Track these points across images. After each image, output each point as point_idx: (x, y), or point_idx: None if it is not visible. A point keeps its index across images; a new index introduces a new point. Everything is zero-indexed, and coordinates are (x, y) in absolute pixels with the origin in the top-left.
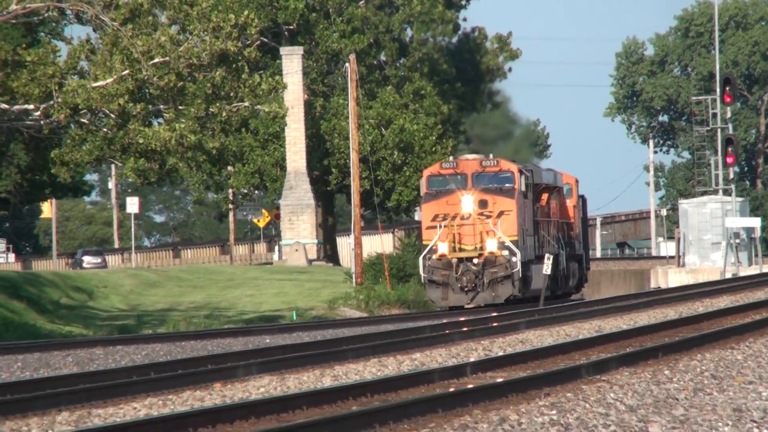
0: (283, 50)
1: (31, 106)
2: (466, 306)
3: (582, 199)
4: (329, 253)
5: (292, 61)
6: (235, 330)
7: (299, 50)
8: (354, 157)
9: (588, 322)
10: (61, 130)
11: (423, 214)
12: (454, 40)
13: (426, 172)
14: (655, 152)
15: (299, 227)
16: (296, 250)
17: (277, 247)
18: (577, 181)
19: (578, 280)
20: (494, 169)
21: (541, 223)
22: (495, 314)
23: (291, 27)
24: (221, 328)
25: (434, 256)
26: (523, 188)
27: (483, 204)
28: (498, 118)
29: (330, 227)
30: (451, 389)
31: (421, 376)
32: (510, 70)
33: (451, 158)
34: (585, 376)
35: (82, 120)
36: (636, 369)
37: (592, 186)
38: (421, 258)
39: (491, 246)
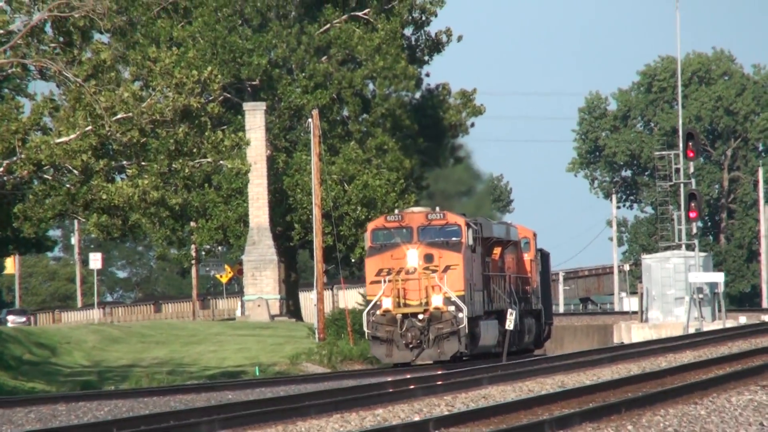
0: (246, 106)
1: None
2: (413, 363)
3: (543, 254)
4: (292, 309)
5: (255, 117)
6: (197, 386)
7: (262, 106)
8: (317, 213)
9: (551, 377)
10: (25, 185)
11: (367, 268)
12: (417, 95)
13: (370, 226)
14: (618, 207)
15: (262, 283)
16: (259, 306)
17: (239, 303)
18: (535, 235)
19: (536, 335)
20: (440, 223)
21: (493, 278)
22: (458, 369)
23: (254, 83)
24: (184, 384)
25: (378, 312)
26: (471, 242)
27: (429, 258)
28: (460, 173)
29: (293, 282)
30: None
31: (383, 431)
32: (473, 125)
33: (396, 211)
34: None
35: (46, 176)
36: (599, 424)
37: (555, 241)
38: (365, 313)
39: (437, 301)
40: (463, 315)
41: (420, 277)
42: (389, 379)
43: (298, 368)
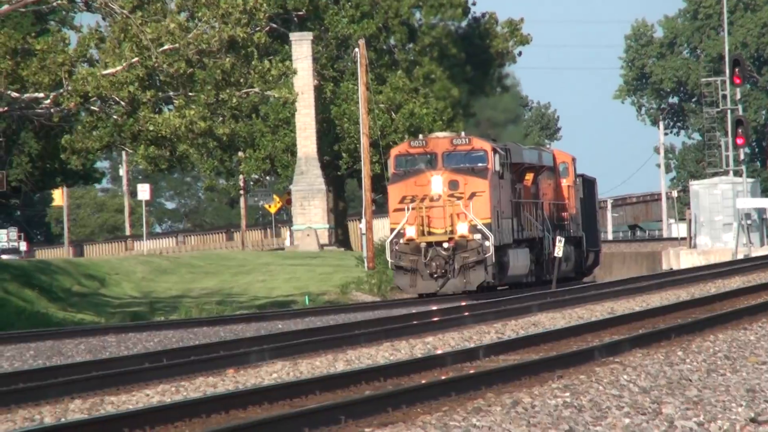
0: (293, 36)
1: (41, 95)
2: (438, 293)
3: (586, 180)
4: (341, 238)
5: (301, 47)
6: (247, 316)
7: (309, 36)
8: (364, 142)
9: (600, 304)
10: (72, 117)
11: (390, 195)
12: (464, 24)
13: (393, 151)
14: (666, 134)
15: (310, 212)
16: (308, 235)
17: (288, 232)
18: (573, 160)
19: (575, 263)
20: (466, 148)
21: (524, 205)
22: (508, 297)
23: (300, 13)
24: (233, 315)
25: (402, 241)
26: (498, 168)
27: (453, 185)
28: (507, 101)
29: (341, 212)
30: (464, 372)
31: (433, 359)
32: (520, 54)
33: (420, 136)
34: (598, 358)
35: (93, 108)
36: (649, 350)
37: (603, 168)
38: (387, 242)
39: (462, 229)
40: (489, 243)
41: (444, 204)
42: (439, 307)
43: (348, 297)
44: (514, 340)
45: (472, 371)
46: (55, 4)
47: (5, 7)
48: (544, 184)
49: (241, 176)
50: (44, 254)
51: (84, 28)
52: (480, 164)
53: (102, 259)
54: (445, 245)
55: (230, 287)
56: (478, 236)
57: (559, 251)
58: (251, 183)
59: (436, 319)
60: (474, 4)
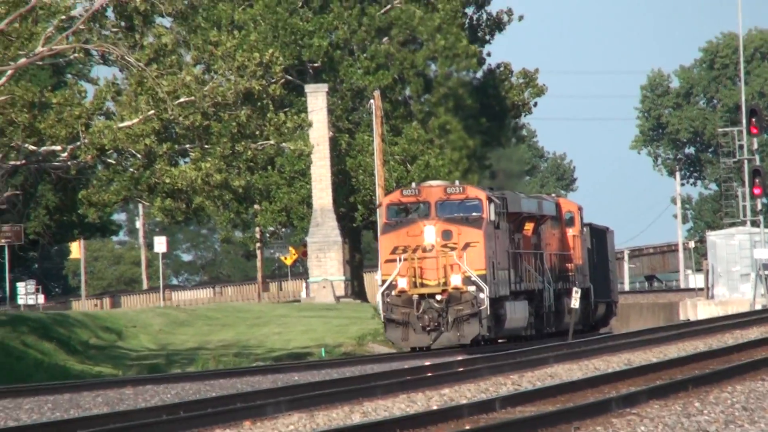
0: (308, 88)
1: (58, 147)
2: (431, 348)
3: (597, 230)
4: (357, 290)
5: (317, 99)
6: (263, 368)
7: (324, 87)
8: (380, 194)
9: (617, 355)
10: (89, 170)
11: (381, 246)
12: (479, 75)
13: (385, 200)
14: (682, 184)
15: (326, 264)
16: (324, 287)
17: (304, 285)
18: (580, 209)
19: (583, 315)
20: (460, 197)
21: (523, 255)
22: (524, 348)
23: (316, 64)
24: (250, 366)
25: (393, 293)
26: (493, 217)
27: (447, 235)
28: (523, 152)
29: (357, 264)
30: (480, 424)
31: (449, 411)
32: (535, 104)
33: (413, 184)
34: (615, 410)
35: (109, 160)
36: (666, 402)
37: (620, 219)
38: (378, 294)
39: (456, 281)
40: (484, 295)
41: (438, 255)
42: (457, 358)
43: (364, 349)
44: (531, 392)
45: (488, 423)
46: (71, 57)
47: (22, 60)
48: (547, 233)
49: (257, 228)
50: (80, 306)
51: (101, 81)
52: (474, 213)
53: (119, 311)
54: (438, 297)
55: (247, 339)
56: (472, 288)
57: (576, 302)
58: (267, 235)
59: (452, 371)
60: (489, 55)
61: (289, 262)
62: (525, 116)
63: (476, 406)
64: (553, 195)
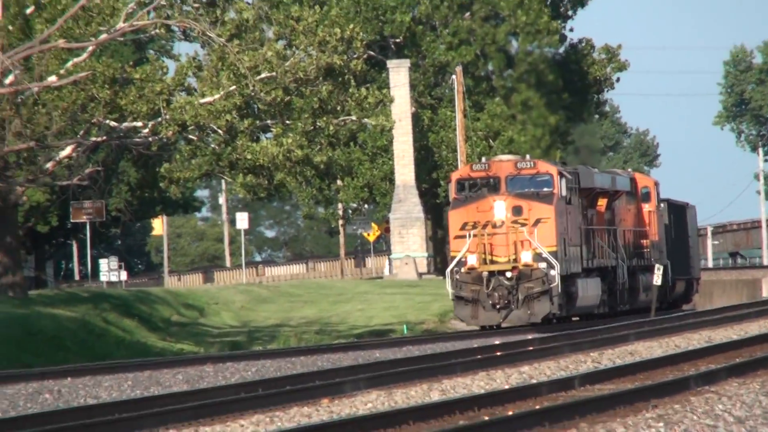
0: (390, 63)
1: (140, 124)
2: (501, 326)
3: (677, 206)
4: (439, 267)
5: (399, 74)
6: (345, 345)
7: (406, 63)
8: None
9: (698, 332)
10: (170, 146)
11: (450, 222)
12: (561, 50)
13: (454, 176)
14: (765, 160)
15: (409, 241)
16: (406, 264)
17: (387, 261)
18: (656, 184)
19: (658, 293)
20: (530, 172)
21: (596, 231)
22: (604, 326)
23: (398, 40)
24: (331, 344)
25: (463, 269)
26: (565, 193)
27: (517, 210)
28: (606, 128)
29: (440, 240)
30: (558, 402)
31: (528, 389)
32: (618, 80)
33: (483, 159)
34: (693, 388)
35: (190, 136)
36: (745, 380)
37: (703, 195)
38: (448, 271)
39: (526, 258)
40: (555, 272)
41: (508, 231)
42: (536, 336)
43: (446, 326)
44: (610, 370)
45: (566, 401)
46: (153, 33)
47: (103, 36)
48: (621, 209)
49: (339, 205)
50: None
51: (182, 57)
52: (545, 189)
53: (201, 288)
54: (508, 274)
55: (329, 316)
56: (543, 265)
57: (658, 279)
58: (350, 211)
59: (532, 348)
60: (572, 30)
61: (371, 238)
62: (607, 92)
63: (555, 383)
64: (629, 170)
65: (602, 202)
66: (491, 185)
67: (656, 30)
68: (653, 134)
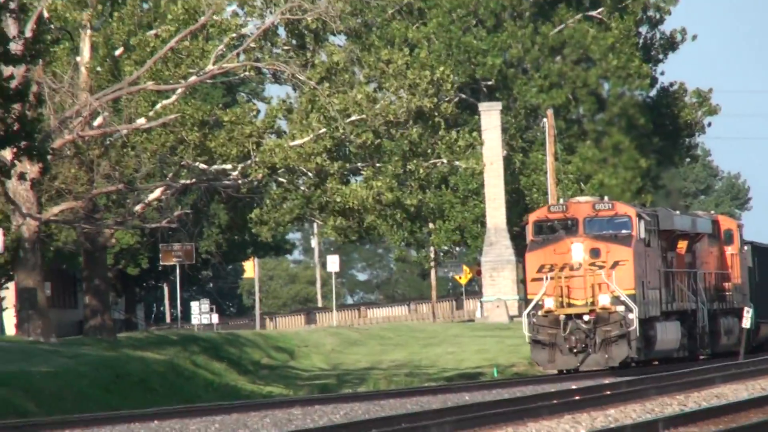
0: (482, 106)
1: (229, 166)
2: (581, 369)
3: (758, 249)
4: None
5: (490, 117)
6: (434, 388)
7: (497, 106)
8: None
9: None
10: (260, 189)
11: (527, 264)
12: (652, 94)
13: (532, 217)
14: None
15: (500, 283)
16: (497, 307)
17: (478, 304)
18: (739, 226)
19: (739, 338)
20: (608, 213)
21: (675, 274)
22: (689, 369)
23: (489, 83)
24: (421, 387)
25: (540, 312)
26: (643, 235)
27: (595, 253)
28: (697, 171)
29: None
30: None
31: None
32: (709, 124)
33: (561, 201)
34: None
35: (280, 179)
36: None
37: None
38: (525, 314)
39: (604, 301)
40: (633, 316)
41: (585, 273)
42: (626, 379)
43: (537, 369)
44: (695, 412)
45: None
46: (243, 75)
47: (192, 78)
48: (702, 251)
49: (431, 247)
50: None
51: (273, 99)
52: (624, 231)
53: (291, 331)
54: (586, 318)
55: (419, 359)
56: (621, 308)
57: (747, 322)
58: (441, 254)
59: (619, 391)
60: (662, 74)
61: (463, 281)
62: (698, 135)
63: (640, 427)
64: (712, 212)
65: (682, 245)
66: (569, 227)
67: (748, 73)
68: (744, 177)
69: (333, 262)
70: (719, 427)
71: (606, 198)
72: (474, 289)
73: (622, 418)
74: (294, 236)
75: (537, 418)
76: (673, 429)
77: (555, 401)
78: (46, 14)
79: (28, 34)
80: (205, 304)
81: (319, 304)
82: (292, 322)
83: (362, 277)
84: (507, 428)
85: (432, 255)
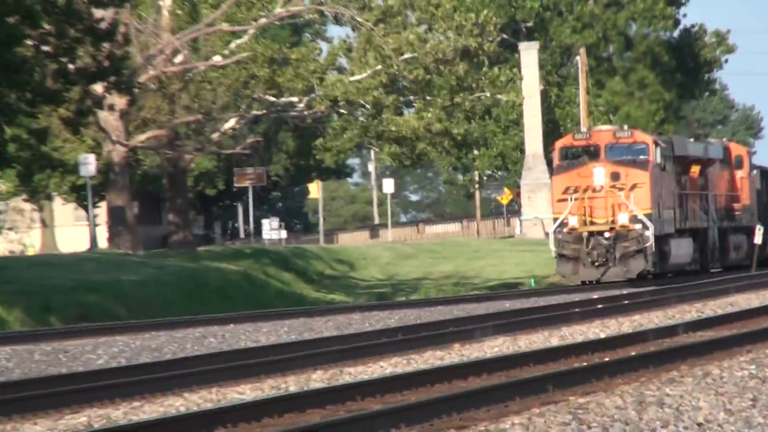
0: (521, 45)
1: (296, 99)
2: (600, 281)
3: (766, 173)
4: None
5: (529, 55)
6: (479, 296)
7: (535, 45)
8: None
9: None
10: (323, 119)
11: (554, 186)
12: (675, 34)
13: (558, 144)
14: None
15: (537, 204)
16: (535, 224)
17: (518, 222)
18: (748, 152)
19: (747, 253)
20: (628, 141)
21: (688, 196)
22: (707, 280)
23: (528, 24)
24: (467, 295)
25: (565, 230)
26: (659, 160)
27: (615, 176)
28: (715, 104)
29: None
30: (663, 347)
31: (637, 335)
32: (726, 61)
33: (584, 129)
34: None
35: (341, 111)
36: None
37: None
38: (551, 231)
39: (623, 219)
40: (649, 233)
41: (606, 195)
42: (649, 288)
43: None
44: (711, 318)
45: (670, 346)
46: (307, 17)
47: (263, 20)
48: (714, 175)
49: (476, 171)
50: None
51: (334, 39)
52: (641, 156)
53: (352, 246)
54: (607, 235)
55: (465, 271)
56: (638, 226)
57: (759, 238)
58: (485, 178)
59: (643, 300)
60: (685, 15)
61: (505, 201)
62: (717, 71)
63: (661, 330)
64: (724, 140)
65: (695, 169)
66: (592, 153)
67: (762, 15)
68: (758, 110)
69: (388, 185)
70: (732, 331)
71: (626, 127)
72: (514, 209)
73: (646, 323)
74: (353, 161)
75: (570, 324)
76: (691, 333)
77: (584, 309)
78: None
79: None
80: (275, 222)
81: (376, 222)
82: (358, 237)
83: (414, 198)
84: (543, 332)
85: (476, 178)
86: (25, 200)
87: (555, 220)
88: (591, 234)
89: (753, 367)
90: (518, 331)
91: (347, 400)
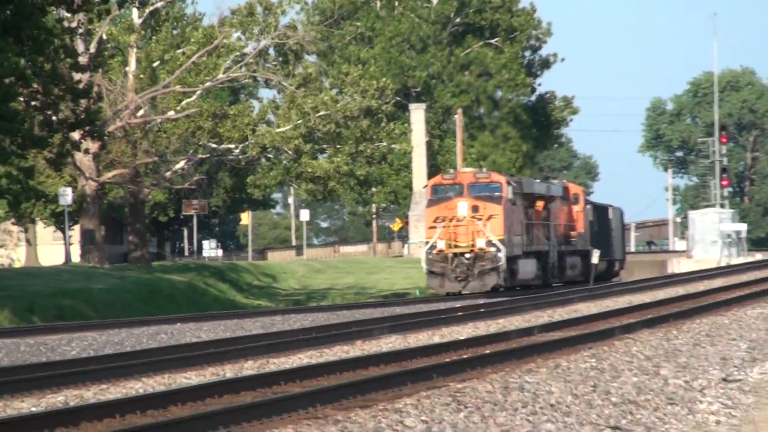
0: (411, 106)
1: (233, 146)
2: (463, 292)
3: (598, 207)
4: None
5: (417, 114)
6: (374, 303)
7: (423, 106)
8: None
9: (623, 297)
10: (254, 162)
11: (426, 216)
12: (532, 98)
13: (430, 182)
14: (673, 177)
15: (421, 230)
16: (419, 247)
17: (406, 245)
18: (583, 191)
19: (581, 271)
20: (486, 180)
21: (534, 225)
22: (556, 291)
23: (417, 90)
24: (365, 302)
25: (434, 251)
26: (510, 196)
27: (475, 209)
28: (562, 154)
29: None
30: (522, 344)
31: (502, 335)
32: (571, 120)
33: (452, 170)
34: (617, 335)
35: (269, 155)
36: (653, 330)
37: (629, 201)
38: (423, 252)
39: (481, 243)
40: (501, 254)
41: (468, 224)
42: (509, 298)
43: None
44: (559, 322)
45: (528, 343)
46: (243, 82)
47: (207, 84)
48: (555, 209)
49: (374, 205)
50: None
51: (265, 99)
52: (496, 193)
53: (275, 262)
54: (467, 255)
55: (364, 283)
56: (493, 249)
57: (595, 258)
58: (381, 210)
59: (504, 307)
60: (540, 84)
61: (396, 228)
62: (564, 128)
63: (520, 331)
64: (564, 181)
65: (540, 204)
66: (457, 190)
67: (602, 84)
68: (596, 158)
69: (305, 214)
70: (577, 332)
71: (485, 169)
72: (403, 234)
73: (509, 325)
74: (277, 195)
75: (449, 325)
76: (544, 333)
77: (461, 313)
78: (104, 37)
79: (92, 50)
80: (213, 243)
81: (293, 244)
82: (285, 255)
83: (324, 225)
84: (428, 331)
85: (374, 210)
86: (13, 223)
87: (427, 243)
88: (455, 255)
89: (593, 360)
90: (408, 331)
91: (273, 384)
